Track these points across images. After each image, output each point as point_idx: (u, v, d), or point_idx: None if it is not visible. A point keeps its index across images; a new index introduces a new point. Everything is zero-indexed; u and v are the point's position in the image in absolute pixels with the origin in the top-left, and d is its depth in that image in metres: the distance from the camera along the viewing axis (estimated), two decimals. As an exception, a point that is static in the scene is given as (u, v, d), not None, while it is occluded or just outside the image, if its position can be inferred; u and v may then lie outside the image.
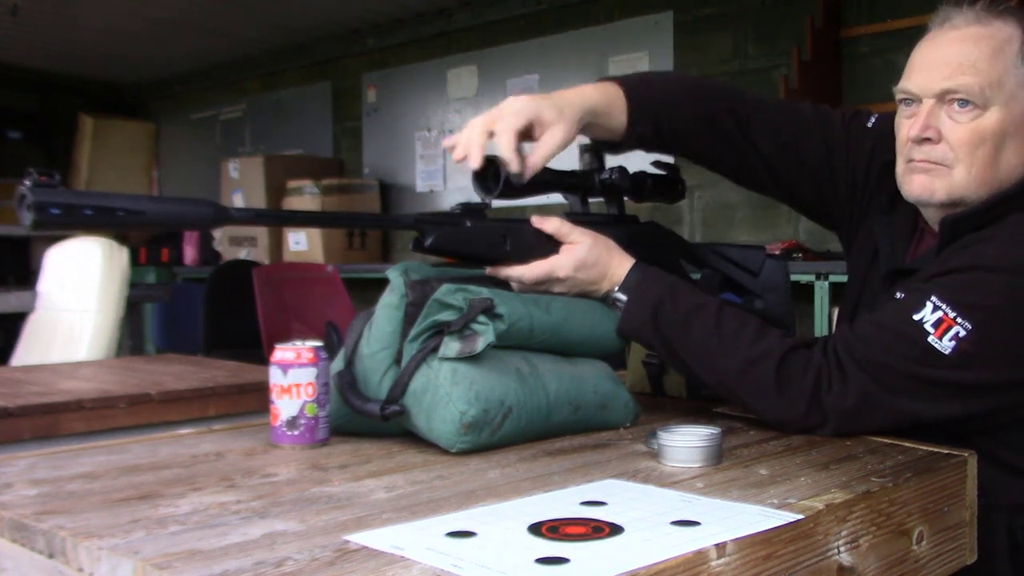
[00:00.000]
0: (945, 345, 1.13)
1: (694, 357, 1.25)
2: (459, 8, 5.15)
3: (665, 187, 1.50)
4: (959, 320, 1.12)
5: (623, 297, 1.30)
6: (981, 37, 1.20)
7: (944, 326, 1.12)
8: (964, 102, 1.19)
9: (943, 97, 1.21)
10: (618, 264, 1.31)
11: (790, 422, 1.20)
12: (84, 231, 3.30)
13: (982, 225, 1.21)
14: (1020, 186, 1.22)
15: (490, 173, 1.32)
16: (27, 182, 0.98)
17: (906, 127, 1.25)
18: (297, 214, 1.30)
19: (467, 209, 1.28)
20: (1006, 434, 1.23)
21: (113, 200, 1.02)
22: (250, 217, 1.16)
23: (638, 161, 1.47)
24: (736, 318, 1.24)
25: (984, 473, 1.12)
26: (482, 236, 1.27)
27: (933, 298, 1.14)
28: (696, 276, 1.52)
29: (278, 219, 1.37)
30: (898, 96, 1.28)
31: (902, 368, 1.16)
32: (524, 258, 1.30)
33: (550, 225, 1.31)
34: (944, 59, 1.21)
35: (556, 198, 1.46)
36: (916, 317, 1.15)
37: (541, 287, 1.30)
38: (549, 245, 1.32)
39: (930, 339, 1.13)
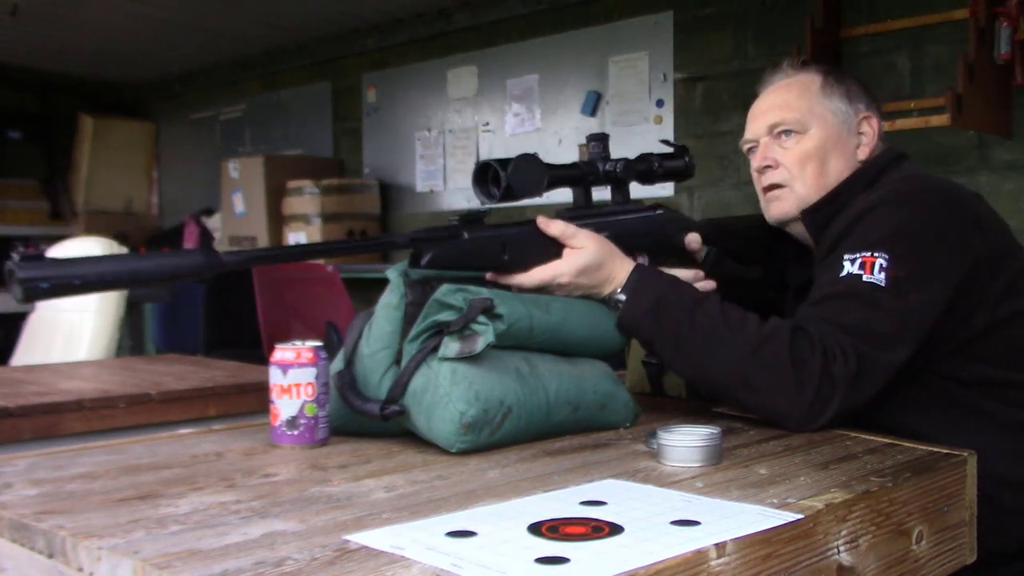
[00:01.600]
0: (878, 278, 1.26)
1: (701, 344, 1.25)
2: (459, 8, 5.14)
3: (674, 166, 1.49)
4: (876, 254, 1.28)
5: (623, 297, 1.30)
6: (790, 84, 1.52)
7: (868, 263, 1.27)
8: (788, 131, 1.48)
9: (772, 131, 1.50)
10: (620, 267, 1.32)
11: (800, 402, 1.20)
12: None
13: (838, 211, 1.41)
14: (855, 174, 1.47)
15: (490, 177, 1.32)
16: (15, 256, 0.97)
17: (753, 165, 1.54)
18: (292, 249, 1.27)
19: (465, 219, 1.26)
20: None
21: (102, 265, 1.02)
22: (242, 260, 1.14)
23: (638, 143, 1.47)
24: (737, 308, 1.27)
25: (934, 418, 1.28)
26: (480, 248, 1.25)
27: (844, 256, 1.30)
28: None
29: (273, 258, 1.32)
30: (745, 148, 1.56)
31: (863, 317, 1.24)
32: (524, 266, 1.29)
33: (555, 228, 1.31)
34: (766, 107, 1.52)
35: (555, 197, 1.46)
36: (842, 275, 1.28)
37: (542, 292, 1.30)
38: (551, 249, 1.31)
39: (864, 278, 1.27)
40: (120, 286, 1.02)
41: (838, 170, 1.47)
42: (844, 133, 1.48)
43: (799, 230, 1.51)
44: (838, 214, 1.41)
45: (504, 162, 1.29)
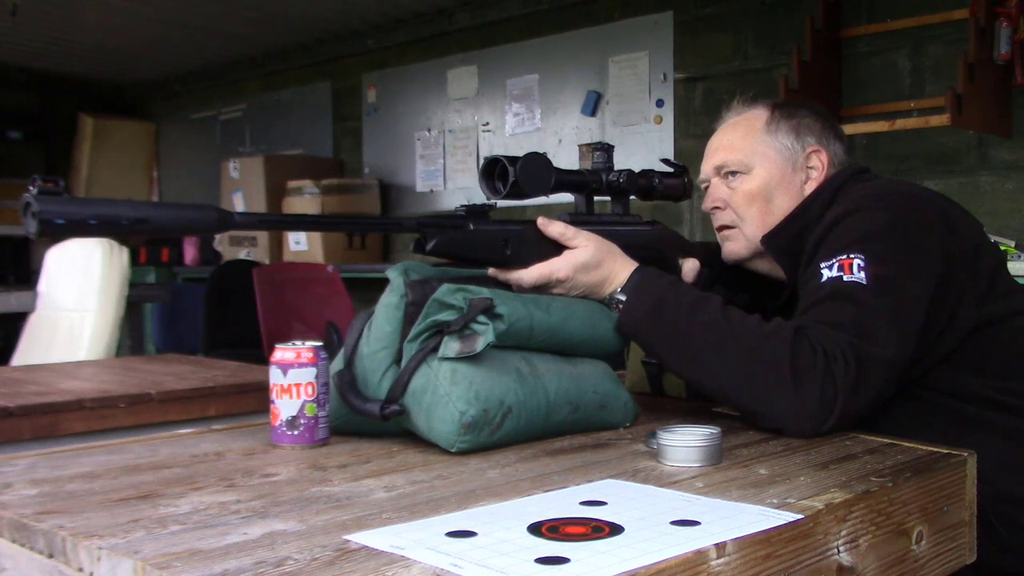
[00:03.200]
0: (859, 277, 1.26)
1: (700, 344, 1.23)
2: (459, 8, 5.14)
3: (673, 184, 1.51)
4: (851, 255, 1.28)
5: (623, 297, 1.30)
6: (737, 123, 1.54)
7: (846, 265, 1.27)
8: (733, 172, 1.50)
9: (719, 172, 1.52)
10: (621, 268, 1.32)
11: (802, 406, 1.18)
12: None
13: (800, 232, 1.43)
14: (813, 196, 1.46)
15: (497, 173, 1.33)
16: (32, 189, 0.97)
17: (703, 205, 1.56)
18: (301, 218, 1.30)
19: (471, 211, 1.27)
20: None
21: (118, 208, 1.02)
22: (253, 222, 1.16)
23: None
24: (736, 309, 1.27)
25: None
26: (483, 240, 1.27)
27: (821, 265, 1.30)
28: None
29: (282, 224, 1.35)
30: (702, 186, 1.57)
31: (854, 314, 1.23)
32: (525, 262, 1.30)
33: (555, 229, 1.32)
34: (714, 147, 1.54)
35: (558, 198, 1.46)
36: (823, 281, 1.28)
37: (541, 290, 1.30)
38: (551, 249, 1.31)
39: (845, 279, 1.26)
40: (134, 231, 1.03)
41: (783, 208, 1.47)
42: (789, 170, 1.49)
43: (761, 267, 1.53)
44: (803, 235, 1.42)
45: (513, 159, 1.30)
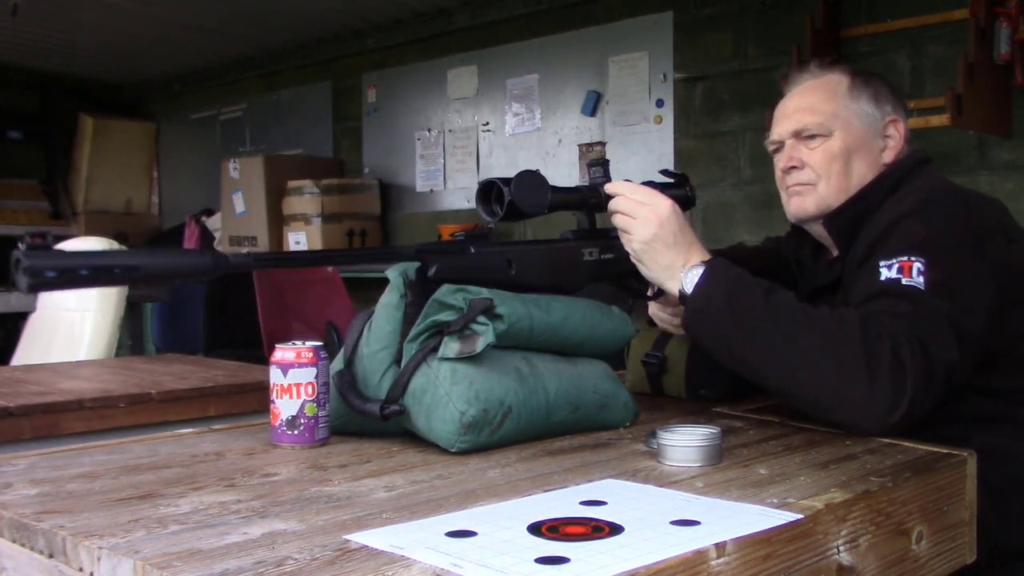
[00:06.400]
0: (917, 281, 1.25)
1: (774, 326, 1.21)
2: (459, 8, 5.14)
3: (674, 195, 1.48)
4: (912, 258, 1.27)
5: (701, 270, 1.28)
6: (816, 86, 1.52)
7: (906, 267, 1.26)
8: (812, 135, 1.48)
9: (798, 135, 1.50)
10: (698, 248, 1.33)
11: (873, 394, 1.15)
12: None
13: (861, 216, 1.43)
14: (878, 179, 1.47)
15: (494, 196, 1.32)
16: (21, 245, 0.97)
17: (778, 164, 1.54)
18: (298, 255, 1.29)
19: (471, 235, 1.27)
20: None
21: (110, 258, 1.02)
22: (249, 262, 1.15)
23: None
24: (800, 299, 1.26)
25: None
26: (486, 262, 1.26)
27: (880, 263, 1.29)
28: None
29: (277, 262, 1.31)
30: (770, 148, 1.57)
31: (912, 311, 1.21)
32: (531, 282, 1.28)
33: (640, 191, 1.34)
34: (792, 109, 1.53)
35: (560, 212, 1.44)
36: (881, 279, 1.27)
37: (639, 213, 1.31)
38: (556, 267, 1.32)
39: (904, 282, 1.25)
40: (128, 280, 1.03)
41: (861, 172, 1.46)
42: (870, 136, 1.48)
43: (818, 229, 1.52)
44: (863, 219, 1.41)
45: (508, 180, 1.29)
